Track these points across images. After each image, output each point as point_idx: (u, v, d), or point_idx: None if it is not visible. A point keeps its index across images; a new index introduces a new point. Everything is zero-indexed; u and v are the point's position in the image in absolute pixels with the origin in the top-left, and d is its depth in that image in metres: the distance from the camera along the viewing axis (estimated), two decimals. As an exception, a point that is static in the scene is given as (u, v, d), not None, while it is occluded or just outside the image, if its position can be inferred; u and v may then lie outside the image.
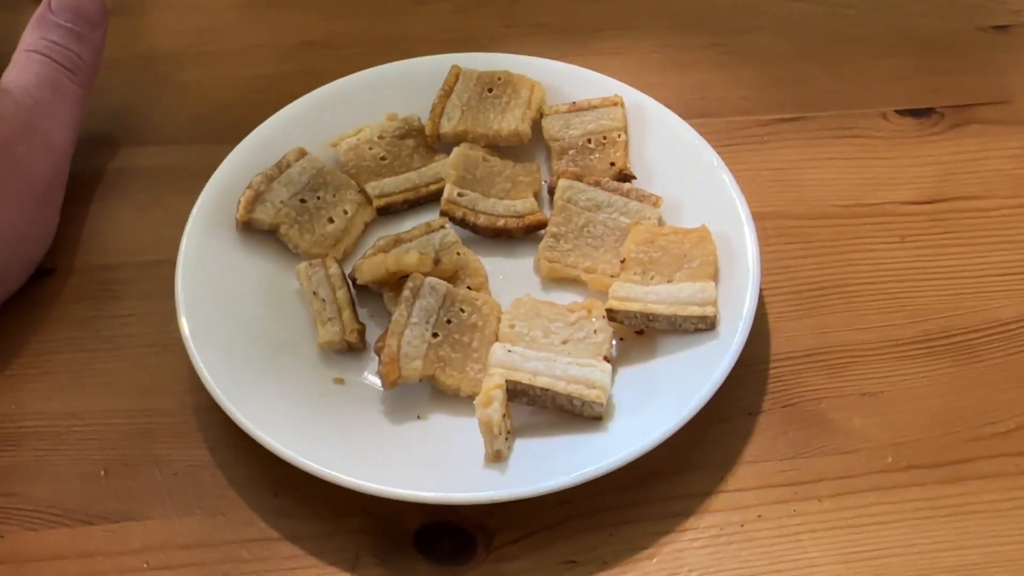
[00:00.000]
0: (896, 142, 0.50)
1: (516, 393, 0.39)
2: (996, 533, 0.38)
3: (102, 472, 0.40)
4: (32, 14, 0.46)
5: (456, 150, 0.46)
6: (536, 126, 0.47)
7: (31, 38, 0.45)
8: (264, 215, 0.44)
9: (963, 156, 0.49)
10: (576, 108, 0.47)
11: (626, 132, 0.47)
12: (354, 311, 0.43)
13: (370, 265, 0.42)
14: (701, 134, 0.46)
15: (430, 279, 0.42)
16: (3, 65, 0.45)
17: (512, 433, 0.39)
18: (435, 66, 0.48)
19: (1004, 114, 0.50)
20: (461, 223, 0.45)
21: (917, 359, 0.43)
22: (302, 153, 0.46)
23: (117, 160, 0.49)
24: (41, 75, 0.45)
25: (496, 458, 0.38)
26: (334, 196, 0.46)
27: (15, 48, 0.46)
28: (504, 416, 0.39)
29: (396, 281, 0.43)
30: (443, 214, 0.45)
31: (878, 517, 0.39)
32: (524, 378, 0.39)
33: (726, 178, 0.44)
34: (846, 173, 0.48)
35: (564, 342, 0.41)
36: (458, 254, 0.44)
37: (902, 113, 0.51)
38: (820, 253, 0.46)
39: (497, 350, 0.40)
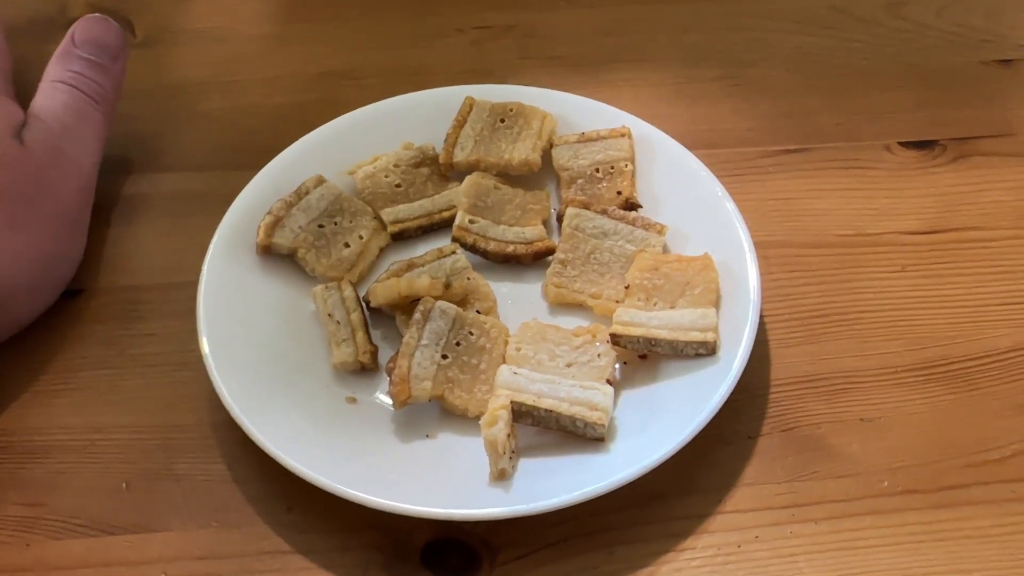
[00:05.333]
0: (899, 173, 0.51)
1: (521, 414, 0.41)
2: (989, 558, 0.39)
3: (124, 485, 0.42)
4: (56, 45, 0.48)
5: (468, 178, 0.48)
6: (546, 156, 0.49)
7: (56, 70, 0.48)
8: (283, 239, 0.46)
9: (965, 188, 0.50)
10: (585, 139, 0.49)
11: (633, 162, 0.48)
12: (367, 333, 0.44)
13: (383, 289, 0.44)
14: (708, 164, 0.47)
15: (441, 303, 0.43)
16: (31, 94, 0.47)
17: (517, 453, 0.41)
18: (450, 97, 0.50)
19: (1006, 147, 0.51)
20: (472, 249, 0.47)
21: (915, 386, 0.44)
22: (320, 180, 0.48)
23: (143, 185, 0.51)
24: (67, 103, 0.47)
25: (500, 476, 0.40)
26: (350, 222, 0.47)
27: (40, 77, 0.48)
28: (509, 436, 0.40)
29: (408, 304, 0.44)
30: (455, 240, 0.47)
31: (873, 540, 0.40)
32: (529, 399, 0.41)
33: (730, 207, 0.46)
34: (849, 203, 0.50)
35: (569, 365, 0.42)
36: (468, 279, 0.45)
37: (906, 145, 0.51)
38: (822, 282, 0.47)
39: (503, 372, 0.42)
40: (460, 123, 0.49)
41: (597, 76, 0.54)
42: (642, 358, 0.43)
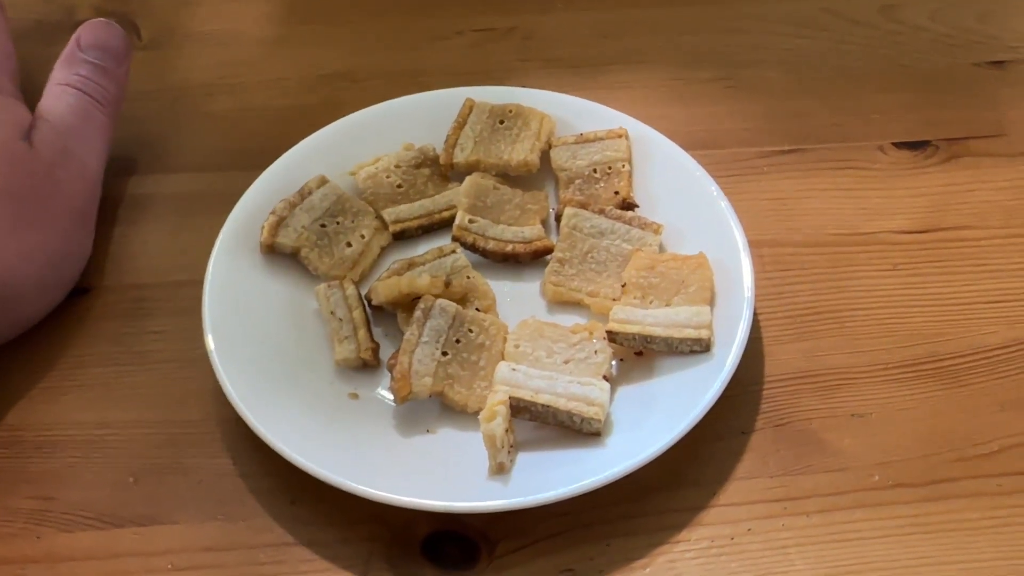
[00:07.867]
0: (892, 173, 0.51)
1: (519, 409, 0.42)
2: (977, 550, 0.40)
3: (132, 479, 0.43)
4: (62, 48, 0.49)
5: (468, 179, 0.49)
6: (545, 156, 0.50)
7: (61, 73, 0.48)
8: (287, 239, 0.47)
9: (956, 187, 0.51)
10: (583, 139, 0.50)
11: (630, 163, 0.49)
12: (369, 330, 0.45)
13: (385, 287, 0.45)
14: (704, 165, 0.48)
15: (441, 301, 0.44)
16: (37, 96, 0.48)
17: (515, 447, 0.41)
18: (450, 99, 0.51)
19: (997, 147, 0.52)
20: (471, 248, 0.47)
21: (905, 382, 0.44)
22: (323, 181, 0.49)
23: (149, 185, 0.51)
24: (73, 105, 0.48)
25: (499, 470, 0.41)
26: (352, 221, 0.48)
27: (46, 79, 0.48)
28: (507, 431, 0.41)
29: (409, 302, 0.45)
30: (455, 239, 0.48)
31: (863, 533, 0.40)
32: (527, 395, 0.41)
33: (725, 207, 0.47)
34: (842, 203, 0.50)
35: (566, 362, 0.43)
36: (468, 277, 0.46)
37: (899, 146, 0.52)
38: (815, 280, 0.48)
39: (502, 368, 0.42)
40: (460, 124, 0.50)
41: (595, 78, 0.55)
42: (638, 355, 0.44)
